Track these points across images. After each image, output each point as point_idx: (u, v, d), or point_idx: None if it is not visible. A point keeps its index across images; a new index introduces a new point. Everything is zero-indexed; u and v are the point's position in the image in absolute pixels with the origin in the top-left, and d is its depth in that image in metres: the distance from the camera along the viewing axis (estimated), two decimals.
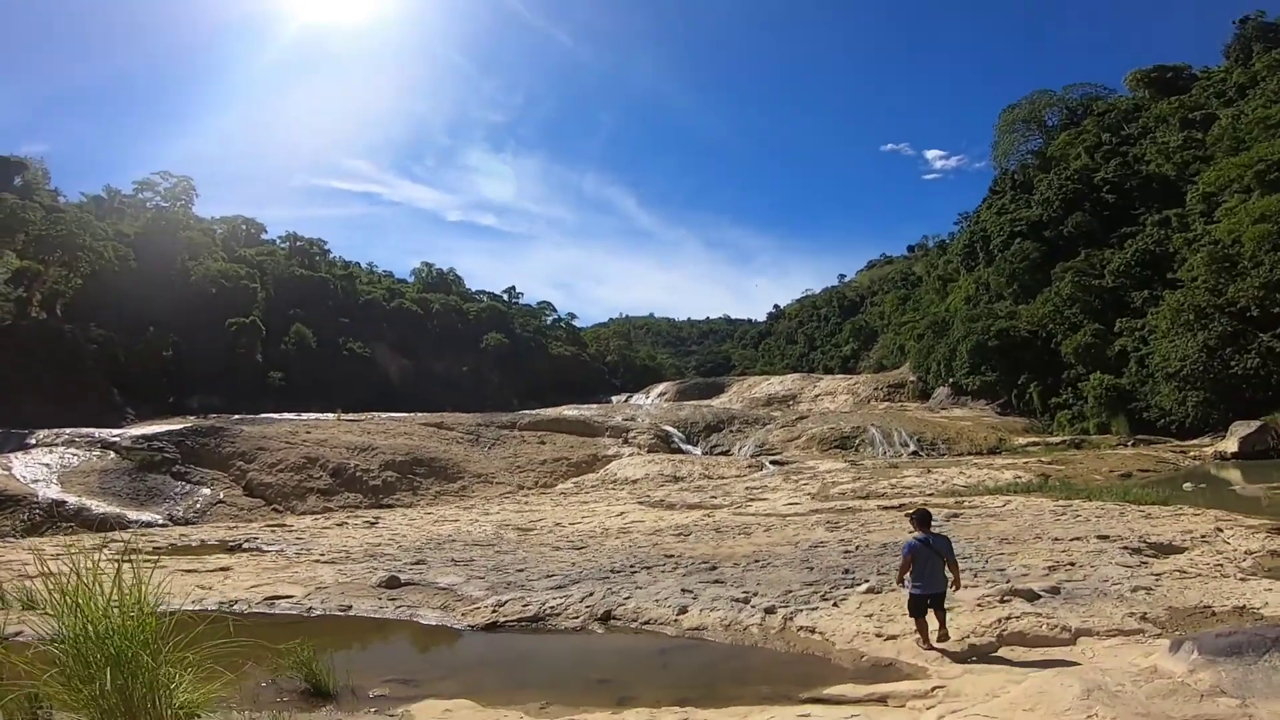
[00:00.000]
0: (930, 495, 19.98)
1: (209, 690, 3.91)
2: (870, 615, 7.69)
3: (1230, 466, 26.08)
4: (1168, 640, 6.04)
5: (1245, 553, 10.25)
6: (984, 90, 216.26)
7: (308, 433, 30.18)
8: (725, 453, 36.60)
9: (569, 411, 45.70)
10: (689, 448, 37.16)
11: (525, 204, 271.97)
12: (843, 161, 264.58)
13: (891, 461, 31.43)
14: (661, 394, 68.05)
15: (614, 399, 68.58)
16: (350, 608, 9.32)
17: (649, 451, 34.49)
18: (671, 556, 11.85)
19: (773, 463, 32.03)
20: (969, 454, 33.33)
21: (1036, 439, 37.10)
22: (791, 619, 7.81)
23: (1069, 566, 9.59)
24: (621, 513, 19.58)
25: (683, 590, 9.19)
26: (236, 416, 36.86)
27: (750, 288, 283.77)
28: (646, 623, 8.26)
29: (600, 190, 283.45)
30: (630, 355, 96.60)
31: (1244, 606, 7.48)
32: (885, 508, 17.53)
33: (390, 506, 24.92)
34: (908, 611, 6.80)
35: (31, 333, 41.24)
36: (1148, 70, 62.27)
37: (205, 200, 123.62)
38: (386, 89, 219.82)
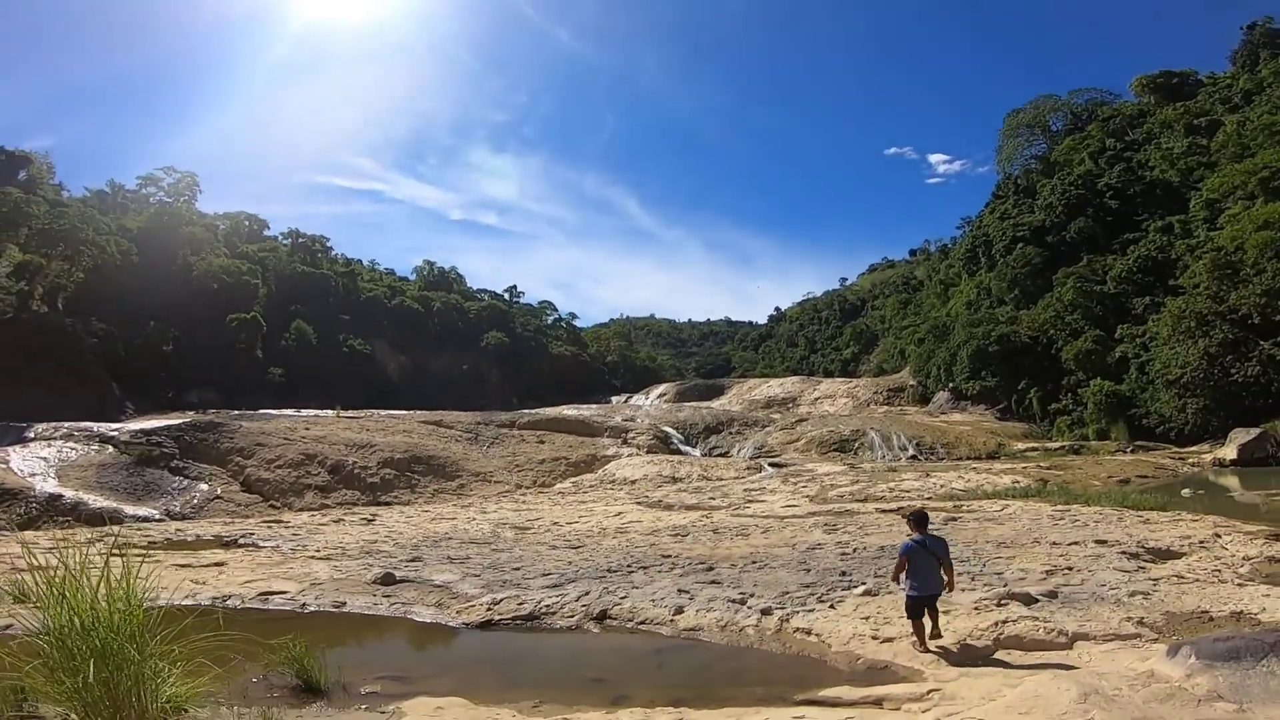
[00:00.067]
0: (929, 499, 19.94)
1: (197, 684, 3.87)
2: (867, 617, 7.66)
3: (1229, 473, 26.02)
4: (1165, 645, 6.01)
5: (1243, 558, 10.21)
6: (988, 94, 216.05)
7: (306, 429, 30.15)
8: (724, 454, 36.56)
9: (568, 411, 45.66)
10: (688, 449, 37.12)
11: (527, 203, 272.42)
12: (846, 164, 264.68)
13: (890, 465, 31.40)
14: (661, 395, 68.03)
15: (614, 399, 68.56)
16: (344, 604, 9.29)
17: (648, 452, 34.45)
18: (668, 557, 11.82)
19: (771, 465, 32.00)
20: (968, 459, 33.28)
21: (1035, 444, 37.06)
22: (788, 620, 7.78)
23: (1066, 571, 9.56)
24: (619, 513, 19.55)
25: (679, 590, 9.16)
26: (235, 412, 36.87)
27: (751, 290, 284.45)
28: (642, 623, 8.22)
29: (601, 190, 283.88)
30: (630, 356, 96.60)
31: (1242, 612, 7.44)
32: (883, 511, 17.49)
33: (388, 504, 24.89)
34: (905, 613, 6.78)
35: (32, 326, 41.27)
36: (1153, 76, 62.12)
37: (209, 196, 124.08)
38: (390, 87, 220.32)
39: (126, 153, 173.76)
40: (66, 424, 27.71)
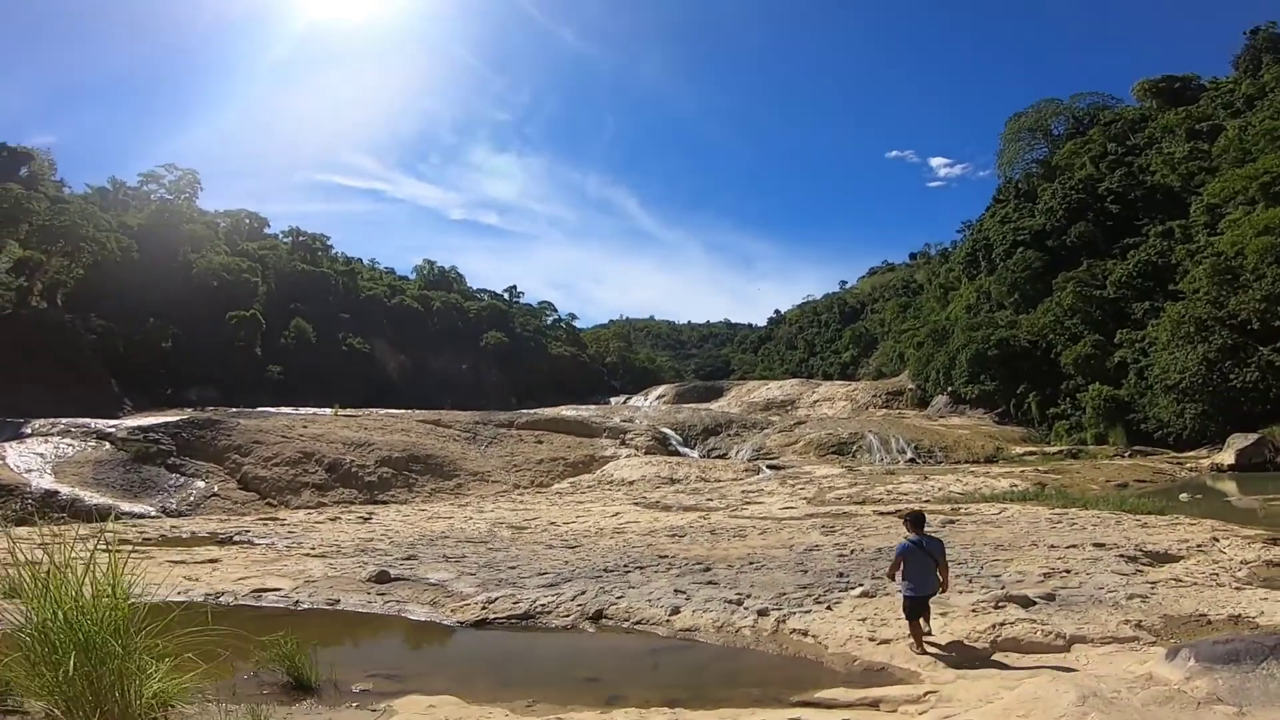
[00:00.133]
0: (927, 501, 19.89)
1: (184, 680, 3.82)
2: (864, 619, 7.61)
3: (1226, 478, 25.99)
4: (1163, 648, 5.97)
5: (1241, 562, 10.17)
6: (990, 98, 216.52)
7: (304, 427, 30.10)
8: (722, 456, 36.52)
9: (567, 412, 45.61)
10: (686, 450, 37.07)
11: (528, 203, 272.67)
12: (847, 166, 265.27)
13: (888, 468, 31.36)
14: (660, 396, 67.99)
15: (612, 400, 68.53)
16: (338, 602, 9.24)
17: (646, 453, 34.40)
18: (665, 557, 11.78)
19: (769, 467, 31.96)
20: (966, 462, 33.26)
21: (1034, 448, 37.00)
22: (784, 621, 7.73)
23: (1064, 574, 9.52)
24: (617, 513, 19.50)
25: (676, 591, 9.11)
26: (233, 410, 36.80)
27: (752, 292, 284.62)
28: (638, 623, 8.18)
29: (602, 190, 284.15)
30: (629, 357, 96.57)
31: (1240, 615, 7.41)
32: (881, 513, 17.44)
33: (385, 503, 24.83)
34: (903, 613, 6.74)
35: (31, 322, 41.22)
36: (1155, 80, 62.14)
37: (210, 193, 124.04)
38: (392, 86, 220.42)
39: (128, 150, 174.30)
40: (64, 420, 27.67)
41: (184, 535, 16.31)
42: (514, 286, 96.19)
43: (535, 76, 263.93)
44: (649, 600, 8.70)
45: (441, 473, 28.67)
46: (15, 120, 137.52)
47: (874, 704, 5.53)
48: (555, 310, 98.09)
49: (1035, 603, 7.93)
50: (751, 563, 11.08)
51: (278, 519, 19.62)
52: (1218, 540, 11.80)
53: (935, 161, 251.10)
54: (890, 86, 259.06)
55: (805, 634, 7.41)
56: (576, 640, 7.96)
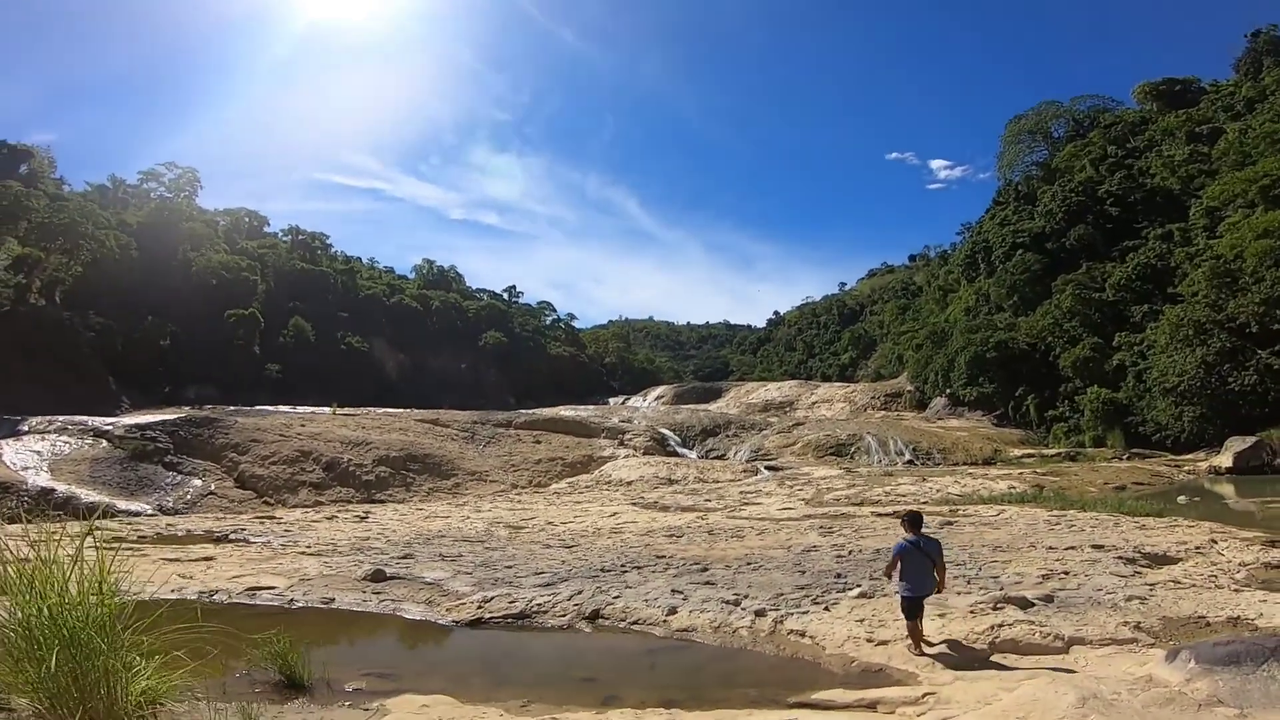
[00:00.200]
0: (925, 503, 19.85)
1: (173, 678, 3.77)
2: (861, 620, 7.57)
3: (1224, 481, 25.98)
4: (1162, 650, 5.94)
5: (1240, 564, 10.14)
6: (990, 100, 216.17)
7: (302, 426, 30.05)
8: (721, 457, 36.47)
9: (566, 412, 45.56)
10: (685, 451, 37.03)
11: (528, 203, 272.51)
12: (847, 168, 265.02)
13: (887, 470, 31.33)
14: (659, 397, 67.93)
15: (611, 401, 68.45)
16: (333, 600, 9.19)
17: (644, 454, 34.36)
18: (663, 557, 11.73)
19: (768, 468, 31.93)
20: (964, 464, 33.24)
21: (1032, 451, 36.99)
22: (782, 622, 7.69)
23: (1063, 575, 9.49)
24: (614, 513, 19.45)
25: (673, 591, 9.06)
26: (231, 408, 36.73)
27: (752, 293, 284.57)
28: (635, 623, 8.13)
29: (602, 191, 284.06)
30: (628, 357, 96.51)
31: (1238, 617, 7.37)
32: (879, 514, 17.41)
33: (382, 502, 24.78)
34: (902, 614, 6.70)
35: (30, 319, 41.12)
36: (1156, 83, 62.17)
37: (209, 192, 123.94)
38: (392, 86, 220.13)
39: (128, 149, 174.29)
40: (61, 418, 27.61)
41: (179, 533, 16.25)
42: (513, 286, 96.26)
43: (535, 76, 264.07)
44: (646, 600, 8.65)
45: (439, 472, 28.62)
46: (15, 118, 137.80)
47: (872, 705, 5.49)
48: (554, 310, 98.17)
49: (1034, 604, 7.89)
50: (749, 563, 11.04)
51: (274, 517, 19.56)
52: (1216, 542, 11.77)
53: (935, 163, 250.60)
54: (890, 87, 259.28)
55: (803, 635, 7.37)
56: (573, 640, 7.91)
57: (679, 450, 36.94)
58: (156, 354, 49.11)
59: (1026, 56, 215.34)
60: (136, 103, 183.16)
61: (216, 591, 9.37)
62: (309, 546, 13.64)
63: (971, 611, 7.51)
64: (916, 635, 6.62)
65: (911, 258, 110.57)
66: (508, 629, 8.25)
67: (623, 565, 11.02)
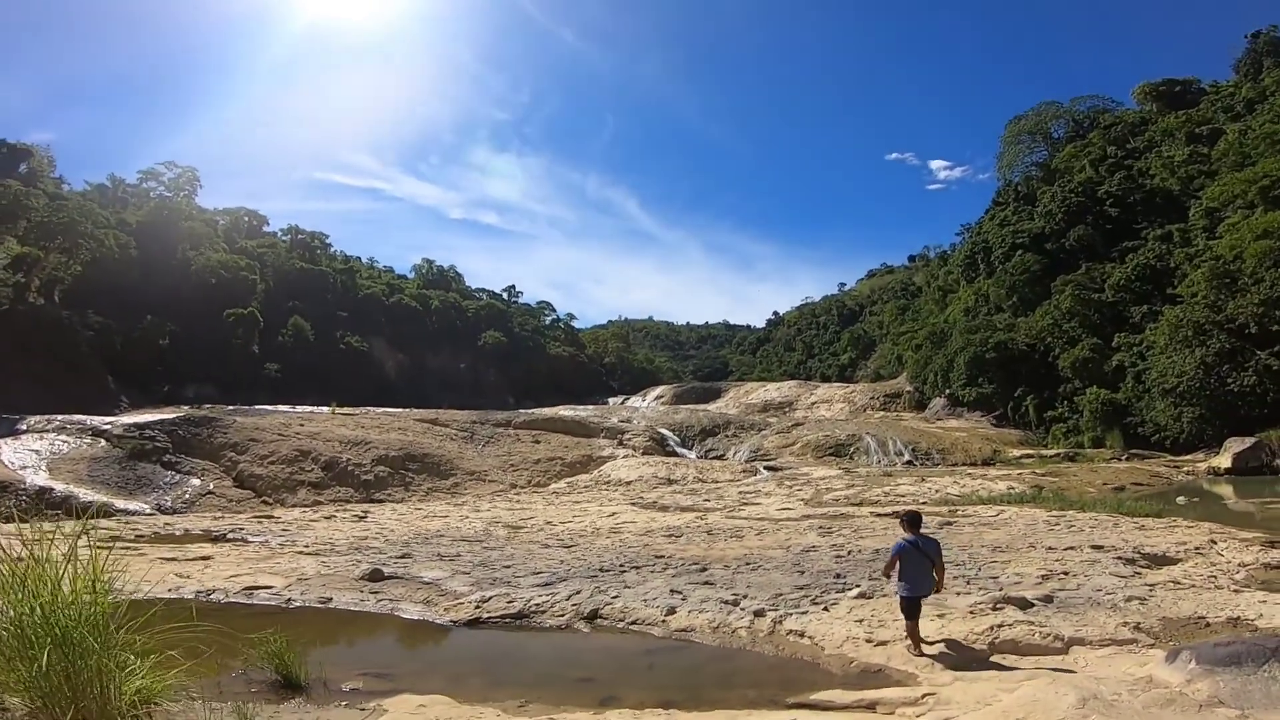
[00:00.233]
0: (924, 503, 19.83)
1: (167, 678, 3.74)
2: (861, 620, 7.54)
3: (1223, 482, 25.97)
4: (1162, 650, 5.91)
5: (1239, 565, 10.12)
6: (990, 101, 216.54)
7: (301, 425, 30.00)
8: (720, 457, 36.45)
9: (565, 412, 45.52)
10: (684, 451, 37.00)
11: (528, 203, 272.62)
12: (847, 168, 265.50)
13: (886, 470, 31.30)
14: (658, 397, 67.89)
15: (610, 400, 68.42)
16: (330, 600, 9.16)
17: (644, 454, 34.33)
18: (662, 557, 11.71)
19: (767, 468, 31.90)
20: (963, 464, 33.21)
21: (1031, 451, 36.98)
22: (781, 622, 7.66)
23: (1062, 575, 9.47)
24: (613, 513, 19.42)
25: (671, 591, 9.04)
26: (230, 407, 36.68)
27: (751, 293, 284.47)
28: (633, 623, 8.10)
29: (602, 191, 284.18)
30: (628, 358, 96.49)
31: (1238, 618, 7.35)
32: (878, 514, 17.39)
33: (381, 502, 24.75)
34: (902, 614, 6.68)
35: (29, 318, 41.07)
36: (1156, 84, 62.17)
37: (209, 191, 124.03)
38: (392, 85, 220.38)
39: (128, 149, 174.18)
40: (59, 417, 27.57)
41: (177, 532, 16.22)
42: (513, 286, 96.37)
43: (535, 77, 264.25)
44: (645, 600, 8.63)
45: (438, 472, 28.58)
46: (15, 117, 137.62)
47: (871, 706, 5.46)
48: (554, 310, 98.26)
49: (1033, 604, 7.87)
50: (748, 563, 11.02)
51: (273, 517, 19.53)
52: (1215, 543, 11.75)
53: (935, 164, 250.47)
54: (890, 87, 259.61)
55: (802, 635, 7.35)
56: (571, 640, 7.88)
57: (678, 450, 36.92)
58: (155, 353, 49.07)
59: (1026, 56, 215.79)
60: (136, 102, 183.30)
61: (213, 591, 9.33)
62: (307, 546, 13.61)
63: (971, 612, 7.49)
64: (916, 635, 6.60)
65: (911, 258, 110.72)
66: (506, 629, 8.22)
67: (621, 565, 11.00)
